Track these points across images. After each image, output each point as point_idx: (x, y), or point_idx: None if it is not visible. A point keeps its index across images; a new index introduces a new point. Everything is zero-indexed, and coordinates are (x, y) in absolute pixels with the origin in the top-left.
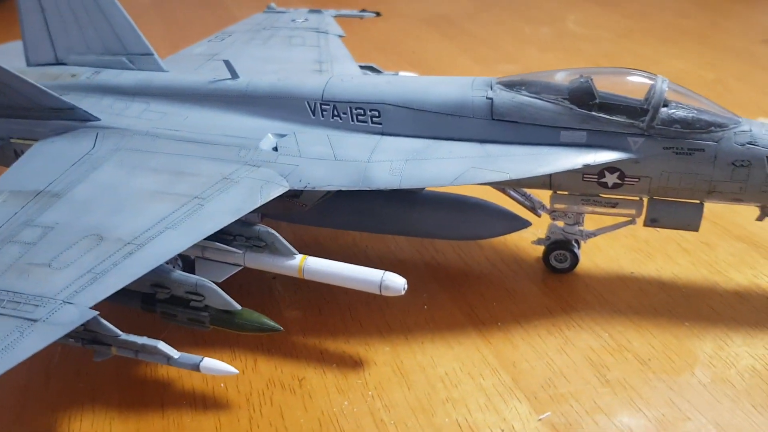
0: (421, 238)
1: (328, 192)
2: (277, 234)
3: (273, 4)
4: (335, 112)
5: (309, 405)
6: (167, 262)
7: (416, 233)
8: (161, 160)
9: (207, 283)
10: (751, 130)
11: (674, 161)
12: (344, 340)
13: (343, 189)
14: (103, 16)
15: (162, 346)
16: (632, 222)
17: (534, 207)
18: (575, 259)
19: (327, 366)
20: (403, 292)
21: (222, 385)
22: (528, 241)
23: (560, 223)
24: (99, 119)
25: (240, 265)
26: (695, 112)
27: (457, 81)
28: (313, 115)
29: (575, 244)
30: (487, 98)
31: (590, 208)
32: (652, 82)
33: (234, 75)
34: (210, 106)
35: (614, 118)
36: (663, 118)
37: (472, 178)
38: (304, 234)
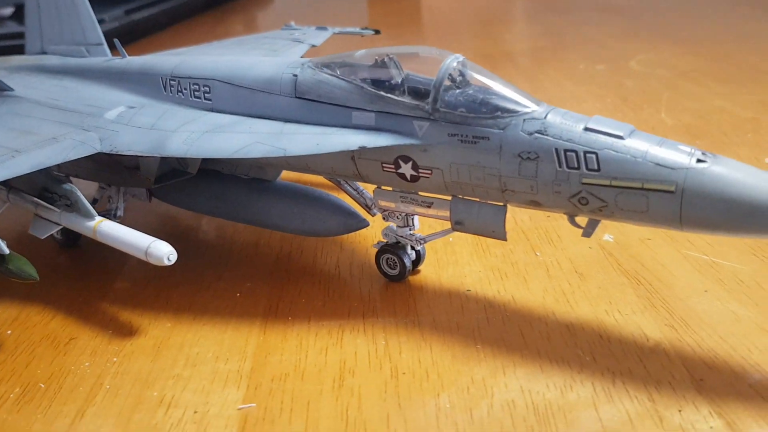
0: (268, 229)
1: (178, 172)
2: (80, 194)
3: (292, 23)
4: (179, 88)
5: (57, 360)
6: None
7: (263, 223)
8: (23, 122)
9: None
10: (545, 118)
11: (460, 151)
12: (140, 312)
13: (139, 154)
14: (76, 13)
15: None
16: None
17: (368, 205)
18: (404, 267)
19: (104, 331)
20: (167, 262)
21: (9, 332)
22: None
23: (396, 225)
24: (12, 89)
25: (58, 224)
26: (483, 94)
27: (278, 60)
28: (165, 91)
29: (409, 251)
30: (294, 75)
31: (411, 208)
32: (442, 60)
33: (123, 55)
34: (100, 81)
35: (400, 98)
36: (448, 100)
37: (250, 152)
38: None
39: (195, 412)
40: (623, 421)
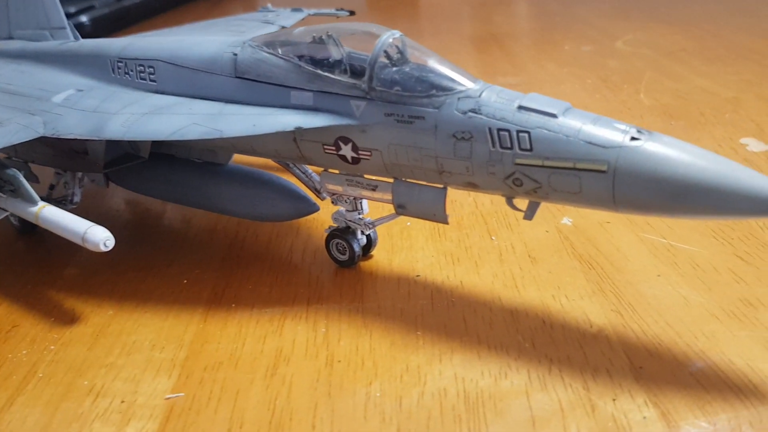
0: (220, 214)
1: (131, 156)
2: (23, 180)
3: (269, 5)
4: (126, 70)
5: None
6: None
7: (214, 208)
8: None
9: None
10: (479, 96)
11: (397, 131)
12: (84, 299)
13: (79, 137)
14: None
15: None
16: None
17: (317, 188)
18: (353, 252)
19: (46, 319)
20: (103, 248)
21: None
22: None
23: (345, 210)
24: None
25: (5, 210)
26: (419, 72)
27: (219, 40)
28: (113, 73)
29: (359, 236)
30: (234, 54)
31: (358, 191)
32: (378, 36)
33: (76, 37)
34: (54, 65)
35: (337, 77)
36: (383, 78)
37: (187, 133)
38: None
39: (122, 401)
40: (554, 410)
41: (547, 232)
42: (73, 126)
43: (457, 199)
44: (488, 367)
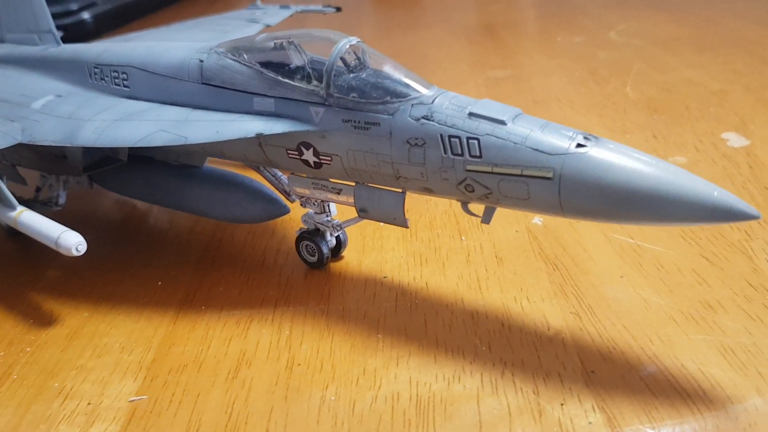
0: (195, 215)
1: (111, 159)
2: (0, 185)
3: (258, 2)
4: (102, 76)
5: None
6: None
7: (190, 210)
8: None
9: None
10: (432, 102)
11: (354, 137)
12: (63, 301)
13: (54, 144)
14: (30, 2)
15: None
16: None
17: (286, 191)
18: (321, 254)
19: (25, 320)
20: (75, 253)
21: None
22: None
23: (313, 212)
24: None
25: None
26: (374, 78)
27: (189, 46)
28: (90, 78)
29: (328, 237)
30: (200, 61)
31: (324, 194)
32: (335, 42)
33: (58, 42)
34: (38, 70)
35: (297, 84)
36: (340, 85)
37: (153, 140)
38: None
39: (89, 403)
40: (502, 415)
41: (516, 232)
42: (48, 133)
43: (431, 198)
44: (443, 371)
